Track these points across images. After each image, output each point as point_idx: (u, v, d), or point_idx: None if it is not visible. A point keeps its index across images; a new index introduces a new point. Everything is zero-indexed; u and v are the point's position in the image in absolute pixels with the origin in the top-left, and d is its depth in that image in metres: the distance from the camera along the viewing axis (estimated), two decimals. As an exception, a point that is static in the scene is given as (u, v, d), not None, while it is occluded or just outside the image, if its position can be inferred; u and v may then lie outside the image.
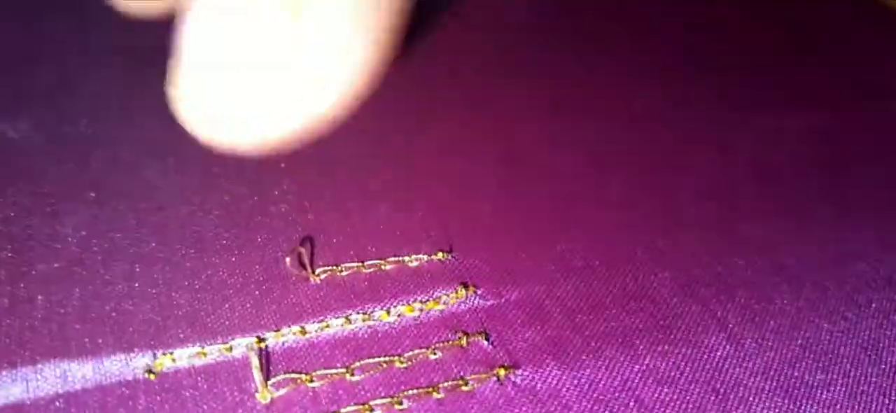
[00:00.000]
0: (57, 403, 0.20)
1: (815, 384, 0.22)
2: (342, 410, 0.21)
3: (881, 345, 0.24)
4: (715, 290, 0.25)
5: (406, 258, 0.25)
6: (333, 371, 0.21)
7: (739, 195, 0.29)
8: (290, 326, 0.23)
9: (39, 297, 0.23)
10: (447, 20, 0.36)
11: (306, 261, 0.24)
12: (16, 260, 0.24)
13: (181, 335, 0.22)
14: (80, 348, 0.21)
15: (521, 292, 0.24)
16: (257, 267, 0.24)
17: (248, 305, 0.23)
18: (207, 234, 0.25)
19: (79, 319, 0.22)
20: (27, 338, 0.21)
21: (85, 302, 0.23)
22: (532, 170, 0.29)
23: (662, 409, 0.21)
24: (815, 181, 0.30)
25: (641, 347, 0.23)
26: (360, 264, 0.25)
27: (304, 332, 0.22)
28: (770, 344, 0.23)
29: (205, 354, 0.22)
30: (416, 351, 0.22)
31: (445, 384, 0.21)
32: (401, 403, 0.21)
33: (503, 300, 0.24)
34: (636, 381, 0.22)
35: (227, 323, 0.22)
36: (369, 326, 0.23)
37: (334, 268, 0.24)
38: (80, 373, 0.21)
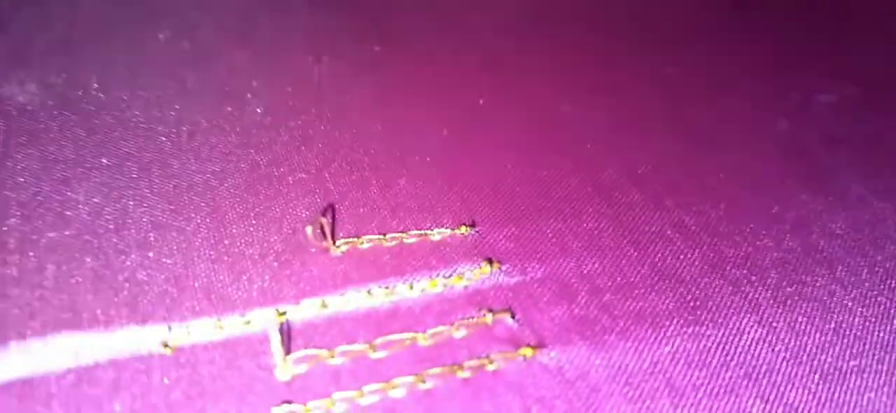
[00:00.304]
0: (68, 378, 0.19)
1: (848, 370, 0.22)
2: (364, 388, 0.20)
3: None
4: (746, 272, 0.24)
5: (428, 232, 0.24)
6: (355, 347, 0.21)
7: (769, 172, 0.28)
8: (310, 299, 0.22)
9: (50, 267, 0.22)
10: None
11: (327, 232, 0.23)
12: (25, 227, 0.23)
13: (197, 307, 0.21)
14: (93, 320, 0.21)
15: (546, 269, 0.24)
16: (275, 237, 0.23)
17: (267, 277, 0.22)
18: (223, 202, 0.25)
19: (91, 290, 0.21)
20: (37, 309, 0.21)
21: (97, 272, 0.22)
22: (557, 142, 0.28)
23: (694, 394, 0.21)
24: (845, 158, 0.29)
25: (671, 328, 0.22)
26: (381, 237, 0.24)
27: (324, 305, 0.22)
28: (802, 328, 0.23)
29: (222, 328, 0.21)
30: (440, 328, 0.22)
31: (470, 363, 0.21)
32: (424, 381, 0.20)
33: (528, 277, 0.23)
34: (667, 363, 0.21)
35: (244, 295, 0.22)
36: (391, 301, 0.22)
37: (355, 240, 0.24)
38: (93, 346, 0.20)
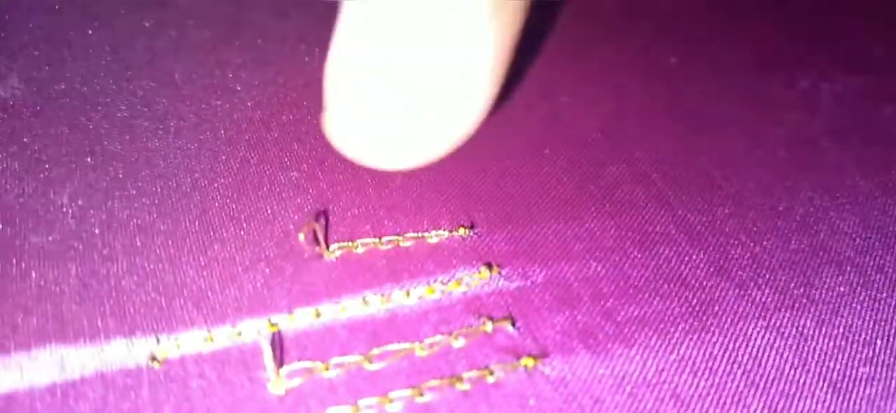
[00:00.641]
0: (53, 393, 0.19)
1: (859, 378, 0.21)
2: (361, 402, 0.19)
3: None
4: (752, 274, 0.23)
5: (425, 234, 0.23)
6: (351, 359, 0.20)
7: (776, 167, 0.27)
8: (303, 309, 0.21)
9: (33, 274, 0.21)
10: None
11: (321, 236, 0.22)
12: (7, 233, 0.22)
13: (187, 318, 0.20)
14: (79, 332, 0.20)
15: (547, 273, 0.23)
16: (267, 242, 0.23)
17: (259, 284, 0.22)
18: (212, 203, 0.24)
19: (76, 299, 0.21)
20: (20, 320, 0.20)
21: (82, 280, 0.21)
22: (558, 139, 0.28)
23: (700, 404, 0.20)
24: (854, 152, 0.28)
25: (676, 335, 0.22)
26: (376, 240, 0.23)
27: (318, 314, 0.21)
28: (810, 332, 0.22)
29: (212, 340, 0.20)
30: (438, 337, 0.21)
31: (470, 374, 0.20)
32: (423, 395, 0.20)
33: (529, 282, 0.23)
34: (672, 371, 0.21)
35: (235, 304, 0.21)
36: (388, 309, 0.21)
37: (350, 244, 0.23)
38: (79, 359, 0.19)
